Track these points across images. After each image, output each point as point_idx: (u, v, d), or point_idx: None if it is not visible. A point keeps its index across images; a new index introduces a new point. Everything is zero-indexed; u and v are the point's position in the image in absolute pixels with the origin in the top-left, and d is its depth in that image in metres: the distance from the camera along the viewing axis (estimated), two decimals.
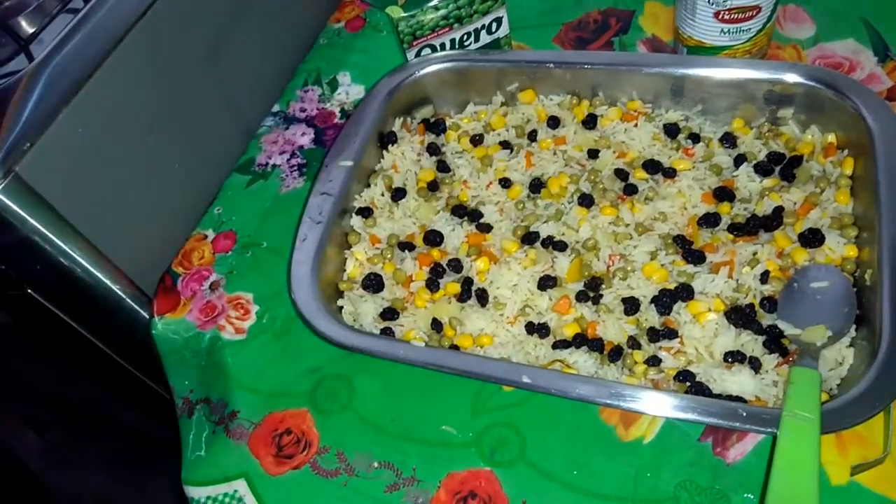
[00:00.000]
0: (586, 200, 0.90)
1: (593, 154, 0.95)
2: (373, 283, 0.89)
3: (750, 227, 0.82)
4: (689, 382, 0.73)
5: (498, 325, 0.83)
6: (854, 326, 0.72)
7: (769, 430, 0.64)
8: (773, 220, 0.82)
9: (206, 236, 1.02)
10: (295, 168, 1.11)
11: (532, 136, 0.99)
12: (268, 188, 1.07)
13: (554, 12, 1.16)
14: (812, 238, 0.78)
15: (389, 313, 0.87)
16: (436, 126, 1.03)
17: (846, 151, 0.84)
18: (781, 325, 0.74)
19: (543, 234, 0.89)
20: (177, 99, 1.01)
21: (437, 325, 0.85)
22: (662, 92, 0.95)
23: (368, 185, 0.98)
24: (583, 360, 0.78)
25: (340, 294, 0.90)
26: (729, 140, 0.91)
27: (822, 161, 0.85)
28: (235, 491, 0.78)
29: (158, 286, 0.97)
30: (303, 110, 1.21)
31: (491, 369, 0.76)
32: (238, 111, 1.15)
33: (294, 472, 0.78)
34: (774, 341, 0.74)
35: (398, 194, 0.96)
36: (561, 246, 0.87)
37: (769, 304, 0.76)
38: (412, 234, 0.91)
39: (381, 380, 0.82)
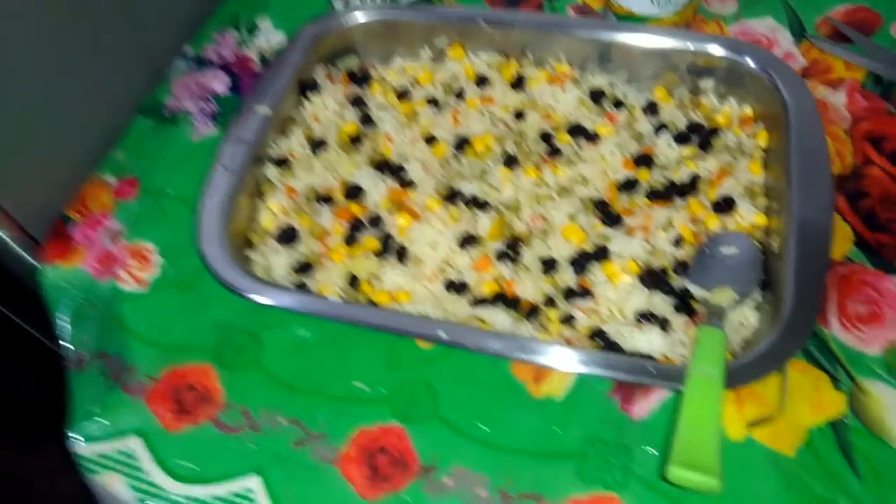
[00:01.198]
0: (511, 161, 0.89)
1: (520, 115, 0.94)
2: (287, 236, 0.85)
3: (666, 194, 0.84)
4: (600, 340, 0.74)
5: (417, 282, 0.82)
6: (760, 291, 0.74)
7: (675, 386, 0.66)
8: (689, 188, 0.84)
9: (106, 182, 0.94)
10: (208, 114, 1.05)
11: (459, 94, 0.97)
12: (177, 134, 1.00)
13: None
14: (724, 206, 0.80)
15: (304, 267, 0.83)
16: (361, 78, 1.00)
17: (761, 124, 0.86)
18: (691, 287, 0.75)
19: (466, 193, 0.87)
20: (77, 32, 0.92)
21: (353, 280, 0.82)
22: (590, 57, 0.95)
23: (287, 135, 0.94)
24: (499, 318, 0.77)
25: (252, 246, 0.86)
26: (651, 108, 0.92)
27: (737, 132, 0.88)
28: (130, 448, 0.73)
29: (50, 231, 0.90)
30: (219, 55, 1.13)
31: (406, 324, 0.74)
32: (146, 50, 1.07)
33: (194, 428, 0.74)
34: (684, 303, 0.75)
35: (318, 145, 0.92)
36: (483, 205, 0.86)
37: (682, 267, 0.78)
38: (331, 187, 0.88)
39: (292, 335, 0.78)
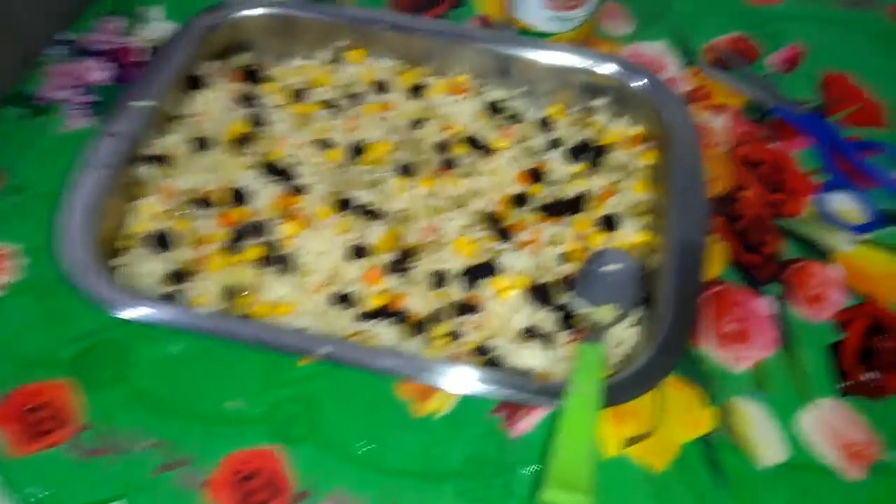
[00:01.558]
0: (406, 170, 0.87)
1: (418, 124, 0.92)
2: (159, 241, 0.79)
3: (556, 209, 0.84)
4: (485, 356, 0.73)
5: (301, 293, 0.78)
6: (641, 307, 0.76)
7: (555, 402, 0.66)
8: (577, 204, 0.85)
9: None
10: (84, 105, 0.97)
11: (357, 98, 0.94)
12: (48, 125, 0.92)
13: None
14: (609, 223, 0.82)
15: (177, 276, 0.78)
16: (253, 75, 0.95)
17: (649, 144, 0.89)
18: (576, 303, 0.76)
19: (359, 202, 0.85)
20: None
21: (231, 291, 0.78)
22: (491, 69, 0.95)
23: (169, 133, 0.88)
24: (385, 332, 0.75)
25: (121, 252, 0.80)
26: (546, 124, 0.92)
27: (625, 150, 0.89)
28: None
29: None
30: (102, 42, 1.06)
31: (285, 339, 0.70)
32: (17, 33, 0.98)
33: (48, 452, 0.68)
34: (567, 319, 0.76)
35: (202, 144, 0.87)
36: (376, 215, 0.84)
37: (568, 283, 0.79)
38: (213, 189, 0.83)
39: (162, 350, 0.73)
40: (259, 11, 0.95)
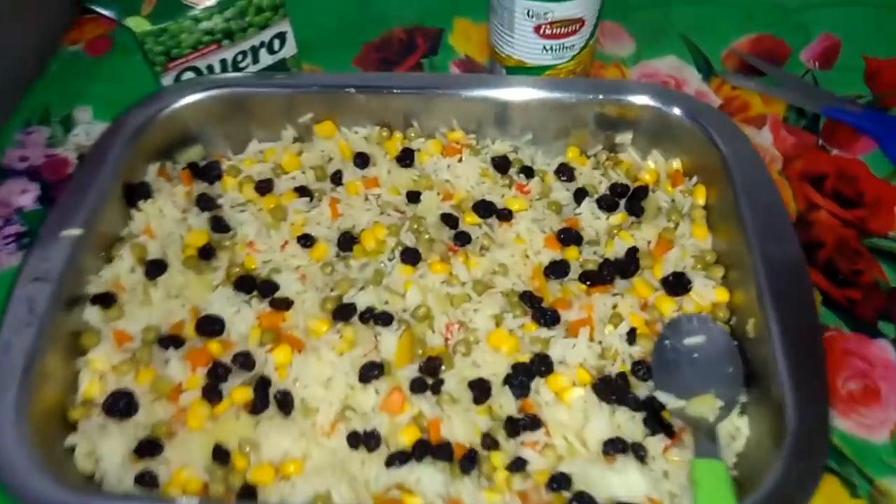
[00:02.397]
0: (411, 256, 0.71)
1: (413, 197, 0.76)
2: (120, 404, 0.61)
3: (604, 275, 0.68)
4: (565, 491, 0.56)
5: (309, 440, 0.61)
6: (742, 389, 0.59)
7: None
8: (629, 264, 0.69)
9: None
10: (11, 239, 0.80)
11: (336, 178, 0.78)
12: None
13: (351, 30, 0.97)
14: (676, 283, 0.66)
15: (148, 447, 0.60)
16: (207, 171, 0.79)
17: (695, 179, 0.74)
18: (661, 396, 0.59)
19: (361, 306, 0.68)
20: None
21: (221, 454, 0.60)
22: (485, 119, 0.80)
23: (111, 260, 0.71)
24: (428, 477, 0.58)
25: (74, 427, 0.62)
26: (565, 172, 0.77)
27: (669, 190, 0.75)
28: None
29: None
30: (23, 159, 0.90)
31: None
32: None
33: None
34: (655, 418, 0.59)
35: (155, 268, 0.70)
36: (385, 319, 0.67)
37: (642, 369, 0.62)
38: (179, 322, 0.66)
39: None
40: (200, 96, 0.80)
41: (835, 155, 0.79)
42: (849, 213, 0.74)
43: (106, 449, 0.59)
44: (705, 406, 0.58)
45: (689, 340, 0.62)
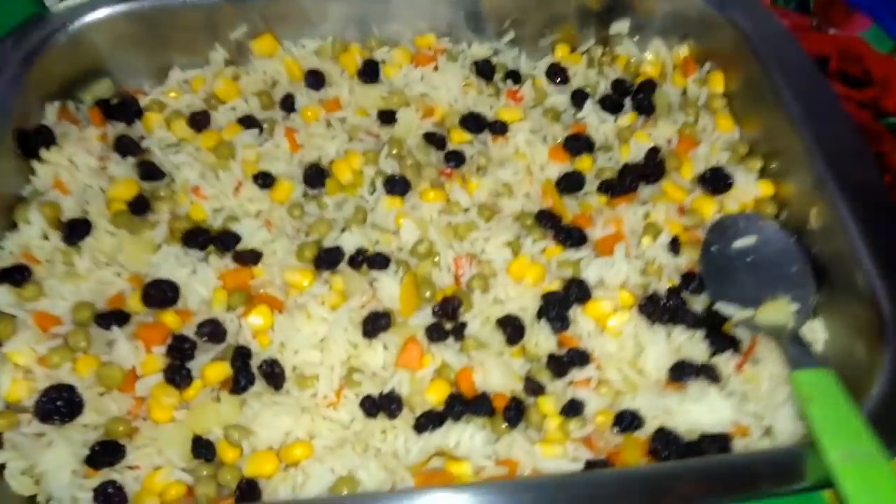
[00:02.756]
0: (397, 185, 0.59)
1: (387, 117, 0.64)
2: (59, 404, 0.47)
3: (626, 182, 0.59)
4: (636, 430, 0.47)
5: (313, 415, 0.49)
6: (814, 289, 0.52)
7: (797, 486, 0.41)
8: (653, 168, 0.60)
9: None
10: None
11: (287, 103, 0.65)
12: None
13: None
14: (716, 180, 0.58)
15: (104, 453, 0.46)
16: (123, 109, 0.63)
17: (708, 65, 0.65)
18: (723, 308, 0.52)
19: (348, 249, 0.56)
20: None
21: (202, 447, 0.47)
22: (456, 19, 0.68)
23: (15, 226, 0.54)
24: (469, 438, 0.48)
25: None
26: (558, 73, 0.67)
27: (679, 82, 0.66)
28: None
29: None
30: None
31: None
32: None
33: None
34: (718, 333, 0.51)
35: (76, 230, 0.55)
36: (380, 261, 0.56)
37: (693, 281, 0.54)
38: (118, 294, 0.52)
39: None
40: (100, 15, 0.63)
41: (833, 34, 0.73)
42: (861, 93, 0.68)
43: (48, 463, 0.45)
44: (778, 312, 0.50)
45: (739, 243, 0.54)
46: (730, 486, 0.41)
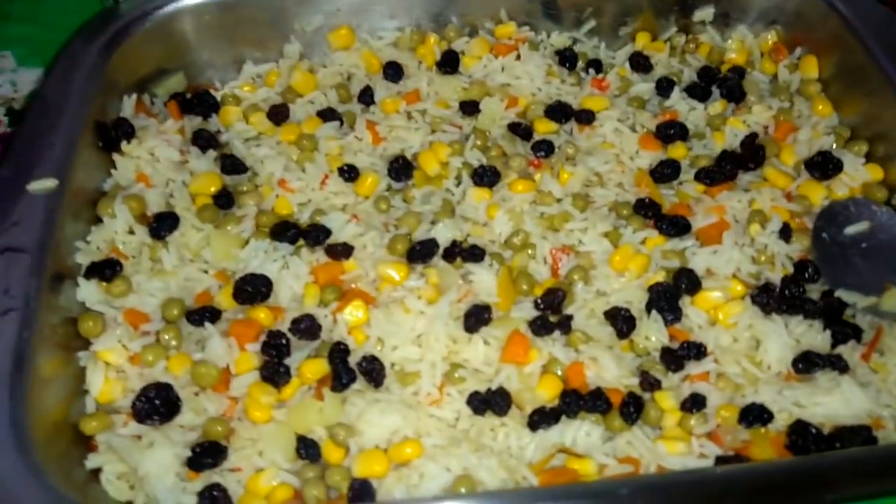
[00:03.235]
0: (485, 176, 0.58)
1: (469, 108, 0.62)
2: (157, 404, 0.44)
3: (727, 170, 0.57)
4: (765, 423, 0.45)
5: (418, 413, 0.46)
6: None
7: None
8: (752, 154, 0.58)
9: None
10: None
11: (366, 96, 0.63)
12: None
13: None
14: (824, 164, 0.55)
15: (206, 454, 0.44)
16: (199, 102, 0.61)
17: (799, 51, 0.63)
18: (845, 295, 0.49)
19: (442, 242, 0.53)
20: None
21: (307, 447, 0.45)
22: (533, 9, 0.66)
23: (100, 220, 0.53)
24: (586, 435, 0.45)
25: (89, 443, 0.45)
26: (639, 62, 0.65)
27: (769, 68, 0.64)
28: None
29: None
30: None
31: None
32: None
33: None
34: (838, 322, 0.49)
35: (164, 224, 0.53)
36: (475, 254, 0.54)
37: (808, 269, 0.51)
38: (205, 289, 0.50)
39: None
40: (171, 9, 0.62)
41: None
42: None
43: (151, 466, 0.43)
44: None
45: (852, 229, 0.52)
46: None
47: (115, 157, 0.57)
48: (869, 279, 0.50)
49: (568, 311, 0.52)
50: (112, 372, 0.48)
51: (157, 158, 0.58)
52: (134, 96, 0.60)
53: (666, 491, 0.40)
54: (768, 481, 0.39)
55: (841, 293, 0.50)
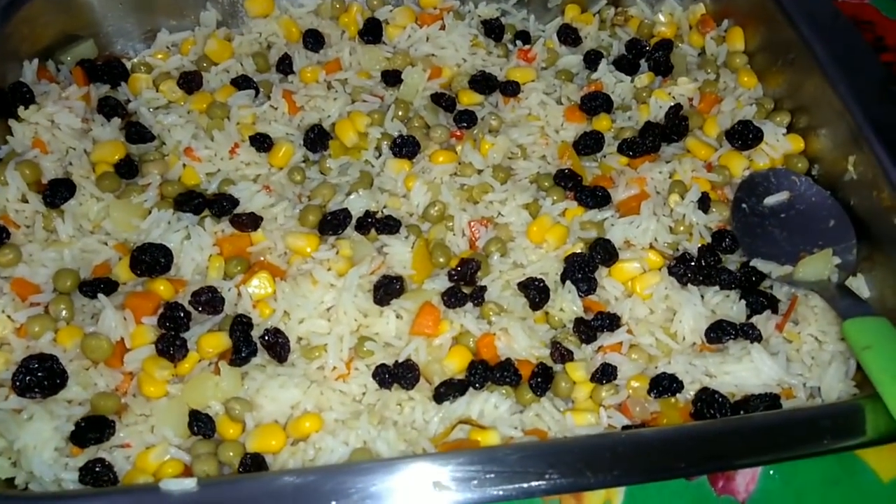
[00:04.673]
0: (405, 147, 0.56)
1: (391, 78, 0.60)
2: (39, 376, 0.42)
3: (649, 141, 0.56)
4: (675, 392, 0.44)
5: (322, 387, 0.45)
6: (855, 240, 0.49)
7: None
8: (676, 125, 0.57)
9: None
10: None
11: (285, 65, 0.61)
12: None
13: None
14: (744, 134, 0.54)
15: (91, 429, 0.41)
16: (108, 70, 0.58)
17: (726, 22, 0.62)
18: (760, 265, 0.48)
19: (354, 212, 0.52)
20: None
21: (200, 422, 0.43)
22: None
23: None
24: (494, 407, 0.44)
25: None
26: (568, 35, 0.64)
27: (697, 42, 0.63)
28: None
29: None
30: None
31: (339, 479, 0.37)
32: None
33: None
34: (754, 293, 0.48)
35: (59, 192, 0.50)
36: (390, 225, 0.52)
37: (726, 239, 0.51)
38: (104, 261, 0.47)
39: None
40: None
41: (842, 2, 0.70)
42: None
43: (28, 439, 0.41)
44: (820, 265, 0.47)
45: (771, 199, 0.52)
46: (790, 443, 0.38)
47: (12, 123, 0.54)
48: (786, 249, 0.49)
49: (483, 282, 0.50)
50: None
51: (56, 125, 0.54)
52: (35, 62, 0.57)
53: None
54: (651, 446, 0.38)
55: (756, 262, 0.49)
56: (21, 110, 0.54)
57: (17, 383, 0.42)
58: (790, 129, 0.56)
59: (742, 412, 0.42)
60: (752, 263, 0.49)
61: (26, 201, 0.50)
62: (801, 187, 0.51)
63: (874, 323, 0.41)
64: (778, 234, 0.50)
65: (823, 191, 0.51)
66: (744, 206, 0.52)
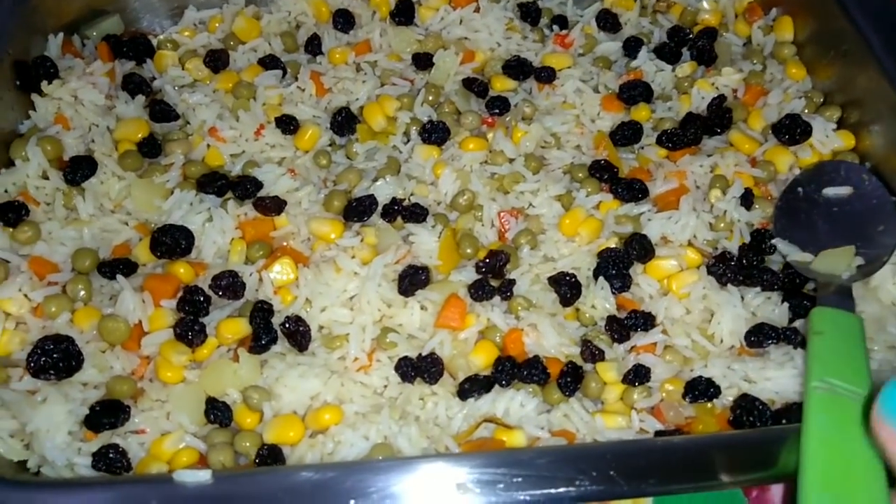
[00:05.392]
0: (434, 133, 0.54)
1: (422, 62, 0.58)
2: (54, 358, 0.41)
3: (690, 134, 0.53)
4: (711, 399, 0.41)
5: (343, 378, 0.43)
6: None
7: None
8: (718, 118, 0.54)
9: None
10: None
11: (313, 46, 0.59)
12: None
13: None
14: (792, 128, 0.52)
15: (105, 413, 0.40)
16: (133, 47, 0.57)
17: (774, 11, 0.59)
18: (781, 245, 0.47)
19: (381, 199, 0.50)
20: None
21: (217, 410, 0.41)
22: None
23: (11, 163, 0.49)
24: (520, 405, 0.42)
25: None
26: (607, 21, 0.61)
27: (743, 31, 0.60)
28: None
29: None
30: None
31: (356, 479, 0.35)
32: None
33: None
34: (797, 295, 0.46)
35: (80, 169, 0.49)
36: (417, 213, 0.50)
37: (768, 239, 0.48)
38: (125, 241, 0.46)
39: None
40: None
41: None
42: None
43: (41, 422, 0.40)
44: (839, 260, 0.44)
45: (831, 190, 0.48)
46: None
47: (35, 97, 0.53)
48: (820, 240, 0.47)
49: (511, 275, 0.48)
50: (11, 323, 0.44)
51: (80, 101, 0.53)
52: (61, 36, 0.56)
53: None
54: (689, 454, 0.36)
55: (777, 242, 0.47)
56: (44, 85, 0.53)
57: (32, 364, 0.41)
58: (840, 124, 0.53)
59: (784, 421, 0.40)
60: (772, 242, 0.47)
61: (47, 178, 0.50)
62: (868, 186, 0.48)
63: (843, 317, 0.39)
64: (820, 225, 0.48)
65: (889, 196, 0.48)
66: (800, 189, 0.49)
